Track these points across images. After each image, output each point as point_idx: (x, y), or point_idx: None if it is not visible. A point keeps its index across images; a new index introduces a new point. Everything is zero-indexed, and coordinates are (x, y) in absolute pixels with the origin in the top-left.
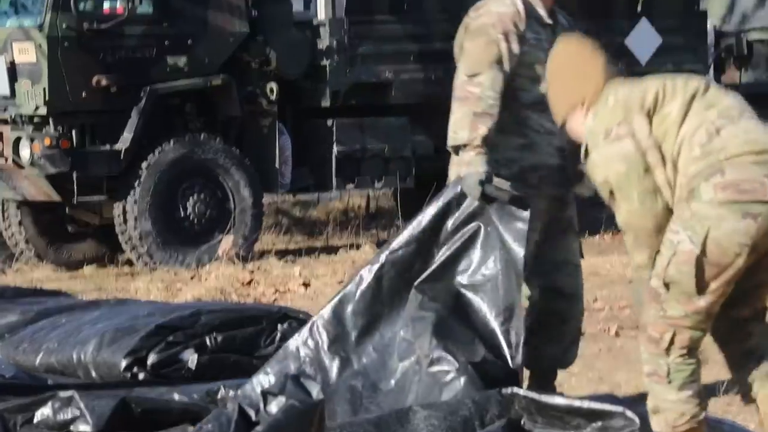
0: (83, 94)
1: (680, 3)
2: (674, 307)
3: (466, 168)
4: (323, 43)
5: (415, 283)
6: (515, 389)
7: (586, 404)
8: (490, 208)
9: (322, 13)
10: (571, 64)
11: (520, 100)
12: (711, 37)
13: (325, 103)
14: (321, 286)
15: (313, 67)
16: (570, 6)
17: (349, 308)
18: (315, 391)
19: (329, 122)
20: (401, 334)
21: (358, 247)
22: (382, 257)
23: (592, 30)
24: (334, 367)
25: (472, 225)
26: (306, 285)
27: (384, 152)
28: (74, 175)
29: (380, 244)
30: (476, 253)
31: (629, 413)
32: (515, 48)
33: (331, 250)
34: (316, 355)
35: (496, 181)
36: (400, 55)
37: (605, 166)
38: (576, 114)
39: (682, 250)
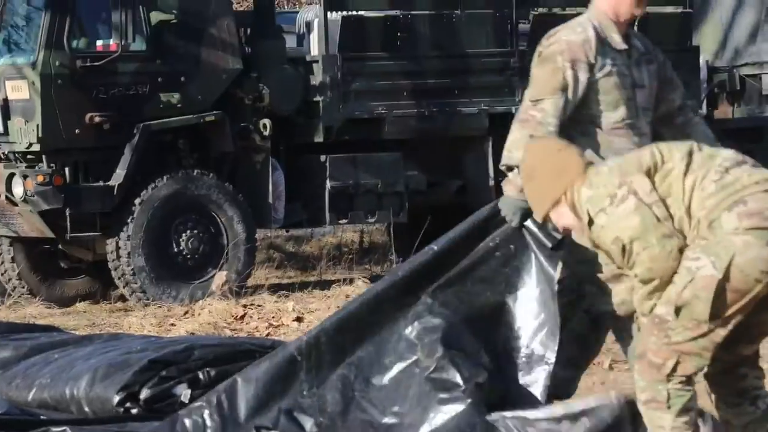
0: (76, 131)
1: (672, 38)
2: (681, 333)
3: (514, 191)
4: (316, 79)
5: (430, 288)
6: (503, 413)
7: (571, 407)
8: (525, 232)
9: (315, 49)
10: (546, 165)
11: (599, 125)
12: (704, 73)
13: (319, 138)
14: (314, 320)
15: (307, 103)
16: None
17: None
18: (308, 425)
19: (322, 158)
20: (405, 332)
21: (351, 281)
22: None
23: None
24: (327, 355)
25: (505, 242)
26: (299, 319)
27: (377, 187)
28: (67, 212)
29: (374, 279)
30: (506, 268)
31: (614, 397)
32: (582, 76)
33: (325, 284)
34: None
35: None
36: (393, 92)
37: (617, 226)
38: (559, 206)
39: (702, 276)
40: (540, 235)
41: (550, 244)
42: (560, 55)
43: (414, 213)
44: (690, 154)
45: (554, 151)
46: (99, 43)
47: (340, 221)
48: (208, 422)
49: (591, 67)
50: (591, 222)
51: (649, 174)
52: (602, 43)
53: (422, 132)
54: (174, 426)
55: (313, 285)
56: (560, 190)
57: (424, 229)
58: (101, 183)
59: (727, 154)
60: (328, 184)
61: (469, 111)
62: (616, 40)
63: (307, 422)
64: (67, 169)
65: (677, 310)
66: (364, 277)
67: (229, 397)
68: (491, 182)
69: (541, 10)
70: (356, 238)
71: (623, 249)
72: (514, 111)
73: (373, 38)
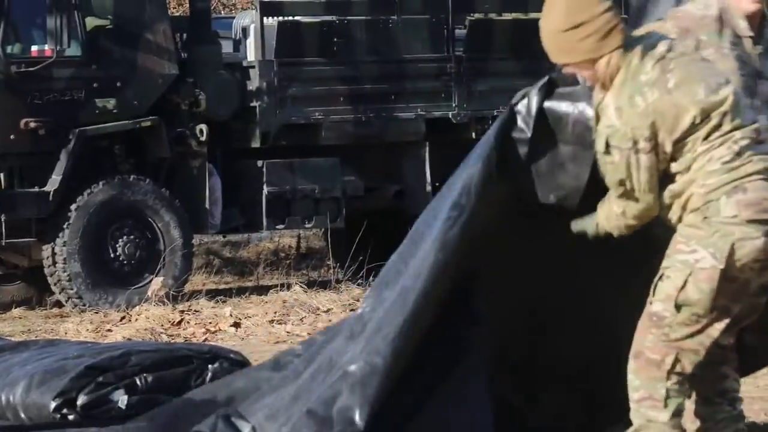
0: (11, 136)
1: None
2: (681, 330)
3: None
4: (253, 84)
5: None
6: None
7: None
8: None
9: (251, 54)
10: (595, 24)
11: None
12: None
13: (255, 144)
14: (251, 326)
15: (243, 108)
16: None
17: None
18: (246, 429)
19: (259, 163)
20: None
21: (288, 287)
22: None
23: None
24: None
25: None
26: (237, 325)
27: (314, 193)
28: (2, 217)
29: (311, 284)
30: None
31: None
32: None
33: (262, 289)
34: None
35: None
36: (329, 97)
37: (625, 120)
38: (585, 67)
39: (702, 268)
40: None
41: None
42: (672, 20)
43: (351, 218)
44: (723, 116)
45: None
46: (34, 48)
47: (278, 227)
48: None
49: (699, 43)
50: (606, 145)
51: (677, 141)
52: (723, 24)
53: (359, 137)
54: None
55: (250, 290)
56: (592, 54)
57: (360, 234)
58: (37, 189)
59: (747, 131)
60: (265, 189)
61: (406, 116)
62: (741, 26)
63: (245, 427)
64: (1, 175)
65: (678, 307)
66: (302, 283)
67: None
68: (428, 188)
69: (477, 15)
70: (293, 244)
71: (608, 142)
72: (450, 116)
73: (310, 43)
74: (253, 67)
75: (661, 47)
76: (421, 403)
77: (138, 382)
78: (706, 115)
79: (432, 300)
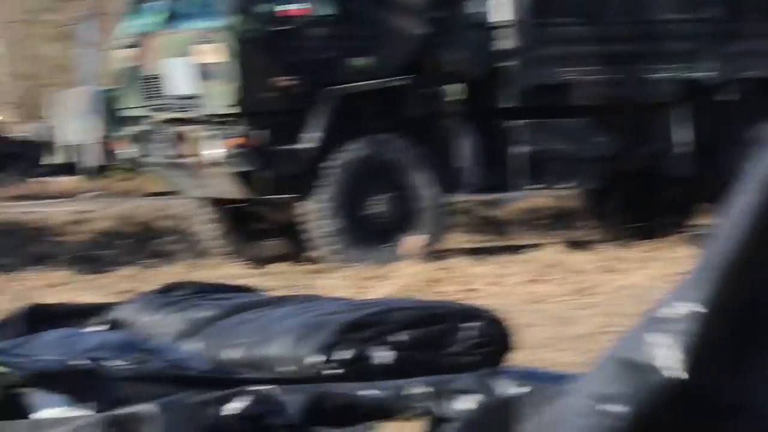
0: (270, 94)
1: None
2: None
3: None
4: (505, 44)
5: None
6: None
7: None
8: None
9: (502, 14)
10: None
11: None
12: None
13: (508, 104)
14: (509, 284)
15: (495, 68)
16: None
17: None
18: None
19: (513, 123)
20: None
21: (544, 246)
22: None
23: None
24: None
25: None
26: (493, 284)
27: (568, 153)
28: (263, 174)
29: (568, 245)
30: None
31: None
32: None
33: (518, 249)
34: None
35: None
36: (581, 58)
37: None
38: None
39: None
40: None
41: None
42: None
43: (604, 179)
44: None
45: None
46: (290, 7)
47: (531, 186)
48: None
49: None
50: None
51: None
52: None
53: (611, 98)
54: None
55: (505, 250)
56: None
57: (615, 195)
58: (294, 146)
59: None
60: (519, 149)
61: (659, 77)
62: None
63: None
64: (261, 132)
65: None
66: (557, 243)
67: None
68: (682, 149)
69: None
70: (547, 204)
71: None
72: (704, 78)
73: (561, 4)
74: (506, 26)
75: None
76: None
77: (397, 339)
78: None
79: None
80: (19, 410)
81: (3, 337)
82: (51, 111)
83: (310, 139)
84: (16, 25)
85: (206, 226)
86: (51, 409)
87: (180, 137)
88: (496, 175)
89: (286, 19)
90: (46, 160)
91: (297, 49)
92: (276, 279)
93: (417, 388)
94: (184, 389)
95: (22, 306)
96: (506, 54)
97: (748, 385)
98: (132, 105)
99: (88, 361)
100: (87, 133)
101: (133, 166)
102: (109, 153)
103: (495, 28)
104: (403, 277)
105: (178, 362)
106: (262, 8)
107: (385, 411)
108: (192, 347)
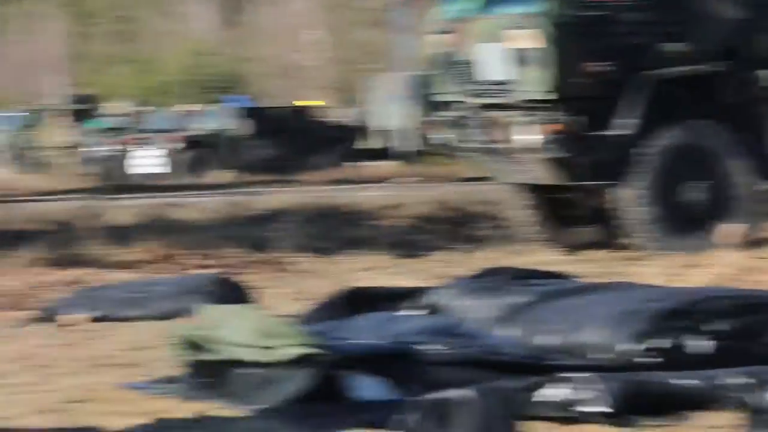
0: (585, 80)
1: None
2: None
3: None
4: None
5: None
6: None
7: None
8: None
9: None
10: None
11: None
12: None
13: None
14: None
15: None
16: None
17: None
18: None
19: None
20: None
21: None
22: None
23: None
24: None
25: None
26: None
27: None
28: (578, 160)
29: None
30: None
31: None
32: None
33: None
34: None
35: None
36: None
37: None
38: None
39: None
40: None
41: None
42: None
43: None
44: None
45: None
46: None
47: None
48: None
49: None
50: None
51: None
52: None
53: None
54: None
55: None
56: None
57: None
58: (610, 132)
59: None
60: None
61: None
62: None
63: None
64: (576, 118)
65: None
66: None
67: None
68: None
69: None
70: None
71: None
72: None
73: None
74: None
75: None
76: None
77: (712, 329)
78: None
79: None
80: (337, 391)
81: (323, 319)
82: (366, 96)
83: (624, 125)
84: (335, 11)
85: (520, 212)
86: (368, 391)
87: (494, 122)
88: None
89: (600, 4)
90: (360, 144)
91: (611, 34)
92: (589, 266)
93: (733, 378)
94: (499, 374)
95: (341, 289)
96: None
97: None
98: (446, 90)
99: (406, 345)
100: (402, 118)
101: (448, 152)
102: (424, 138)
103: None
104: (718, 265)
105: (493, 347)
106: None
107: (700, 401)
108: (506, 333)
